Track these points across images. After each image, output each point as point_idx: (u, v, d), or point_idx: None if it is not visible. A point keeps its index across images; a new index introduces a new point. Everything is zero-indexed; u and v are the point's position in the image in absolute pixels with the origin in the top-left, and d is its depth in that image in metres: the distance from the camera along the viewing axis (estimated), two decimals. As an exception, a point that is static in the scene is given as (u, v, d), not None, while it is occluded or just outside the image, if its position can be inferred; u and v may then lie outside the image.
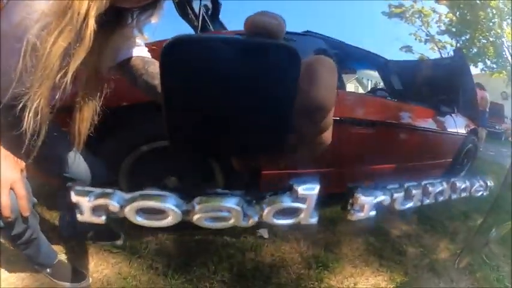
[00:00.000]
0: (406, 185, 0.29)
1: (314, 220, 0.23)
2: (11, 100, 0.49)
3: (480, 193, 0.42)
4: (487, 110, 1.53)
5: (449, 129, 1.16)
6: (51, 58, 0.46)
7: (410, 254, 1.12)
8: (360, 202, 0.24)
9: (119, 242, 1.02)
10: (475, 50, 1.64)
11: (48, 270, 0.84)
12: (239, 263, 0.96)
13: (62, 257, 0.92)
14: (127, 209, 0.22)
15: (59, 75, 0.47)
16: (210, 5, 1.08)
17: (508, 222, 1.54)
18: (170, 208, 0.21)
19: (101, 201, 0.23)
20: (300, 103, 0.17)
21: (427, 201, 0.33)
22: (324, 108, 0.17)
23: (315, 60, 0.17)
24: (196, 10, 0.98)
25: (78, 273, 0.88)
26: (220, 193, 0.22)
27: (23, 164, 0.57)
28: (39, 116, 0.48)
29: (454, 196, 0.37)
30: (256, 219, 0.22)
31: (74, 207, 0.24)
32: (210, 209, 0.22)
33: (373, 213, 0.26)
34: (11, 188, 0.56)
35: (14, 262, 0.85)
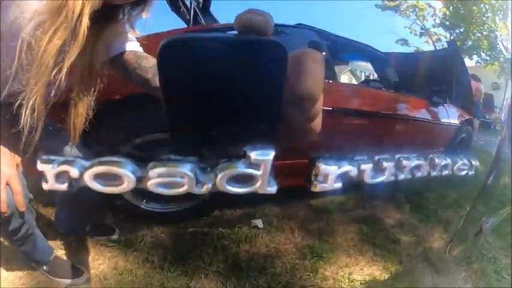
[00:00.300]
0: (376, 157, 0.28)
1: (272, 189, 0.21)
2: (7, 98, 0.51)
3: (464, 172, 0.41)
4: (481, 101, 1.54)
5: (442, 120, 1.17)
6: (47, 56, 0.47)
7: (404, 242, 1.13)
8: (322, 172, 0.23)
9: (114, 237, 1.02)
10: (470, 43, 1.65)
11: (44, 267, 0.84)
12: (234, 254, 0.96)
13: (59, 253, 0.93)
14: (86, 175, 0.22)
15: (54, 72, 0.48)
16: None
17: (503, 210, 1.55)
18: (125, 174, 0.21)
19: (63, 167, 0.23)
20: (289, 93, 0.18)
21: (402, 176, 0.32)
22: (312, 98, 0.19)
23: (303, 53, 0.19)
24: (188, 4, 0.99)
25: (75, 269, 0.89)
26: (173, 159, 0.22)
27: (19, 159, 0.59)
28: (35, 113, 0.48)
29: (433, 173, 0.36)
30: (210, 186, 0.22)
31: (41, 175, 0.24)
32: (163, 175, 0.22)
33: (338, 185, 0.25)
34: (7, 184, 0.57)
35: (11, 260, 0.85)
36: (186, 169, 0.22)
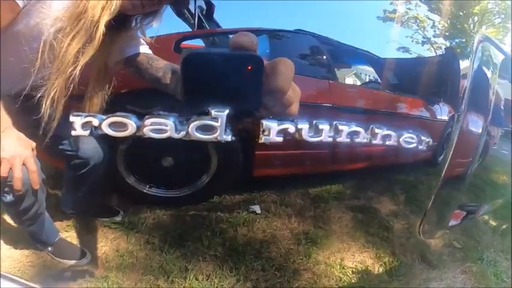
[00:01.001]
0: (314, 121, 0.35)
1: (227, 137, 0.31)
2: (31, 90, 0.59)
3: (412, 145, 0.44)
4: (502, 107, 1.48)
5: (438, 117, 1.24)
6: (67, 56, 0.55)
7: (396, 231, 1.15)
8: (266, 127, 0.32)
9: (118, 218, 1.07)
10: (469, 49, 1.70)
11: (49, 248, 0.89)
12: (231, 238, 1.00)
13: (63, 235, 0.97)
14: (103, 124, 0.32)
15: (71, 69, 0.56)
16: (204, 6, 1.16)
17: (499, 200, 1.56)
18: (130, 122, 0.31)
19: (88, 119, 0.33)
20: (266, 88, 0.28)
21: (339, 139, 0.37)
22: (281, 91, 0.29)
23: (278, 60, 0.29)
24: (192, 10, 1.06)
25: (78, 250, 0.93)
26: (162, 114, 0.31)
27: (34, 143, 0.65)
28: (55, 104, 0.57)
29: (374, 141, 0.40)
30: (184, 132, 0.31)
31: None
32: (154, 123, 0.31)
33: (279, 138, 0.33)
34: (23, 164, 0.63)
35: (17, 240, 0.90)
36: (170, 120, 0.32)
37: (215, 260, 0.97)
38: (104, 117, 0.32)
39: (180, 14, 0.96)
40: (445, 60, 1.31)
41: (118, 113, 0.32)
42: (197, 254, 0.98)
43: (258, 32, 1.09)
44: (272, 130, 0.31)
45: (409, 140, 0.44)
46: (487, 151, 1.54)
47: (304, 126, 0.33)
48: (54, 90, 0.56)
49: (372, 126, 0.39)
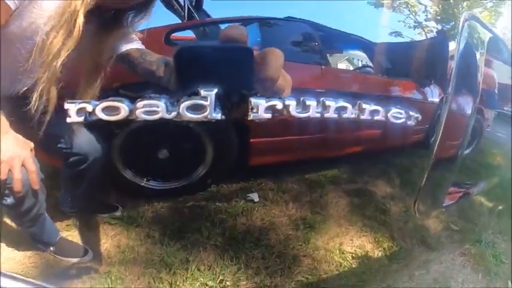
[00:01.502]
0: (301, 98, 0.36)
1: (217, 116, 0.32)
2: (26, 90, 0.62)
3: (401, 120, 0.45)
4: (496, 91, 1.46)
5: (429, 99, 1.25)
6: (51, 49, 0.56)
7: (394, 213, 1.17)
8: (254, 105, 0.33)
9: (117, 213, 1.07)
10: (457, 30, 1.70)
11: (51, 248, 0.89)
12: (231, 227, 1.01)
13: (64, 234, 0.97)
14: (97, 109, 0.33)
15: (54, 62, 0.57)
16: None
17: (494, 178, 1.58)
18: (122, 106, 0.31)
19: (82, 105, 0.33)
20: (258, 77, 0.30)
21: (327, 114, 0.38)
22: (272, 79, 0.30)
23: (266, 50, 0.30)
24: (181, 1, 1.06)
25: (80, 248, 0.94)
26: (153, 96, 0.32)
27: (32, 144, 0.66)
28: (44, 96, 0.58)
29: (362, 116, 0.41)
30: (175, 113, 0.32)
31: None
32: (146, 105, 0.32)
33: (268, 115, 0.34)
34: (22, 165, 0.64)
35: (18, 242, 0.89)
36: (162, 101, 0.32)
37: (215, 250, 0.98)
38: (97, 102, 0.33)
39: (169, 5, 0.96)
40: (435, 43, 1.30)
41: (111, 98, 0.33)
42: (197, 245, 0.99)
43: (248, 20, 1.09)
44: (260, 107, 0.32)
45: (397, 115, 0.45)
46: (481, 133, 1.56)
47: (291, 102, 0.34)
48: (43, 84, 0.57)
49: (359, 102, 0.40)
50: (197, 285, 0.93)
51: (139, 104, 0.32)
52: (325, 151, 1.12)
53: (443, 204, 1.03)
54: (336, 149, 1.12)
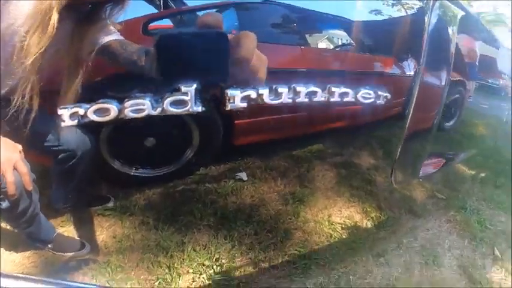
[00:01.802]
0: (273, 86, 0.39)
1: (198, 109, 0.35)
2: (8, 94, 0.62)
3: (370, 100, 0.47)
4: (477, 63, 1.49)
5: (406, 73, 1.29)
6: (30, 46, 0.57)
7: (379, 184, 1.21)
8: (230, 96, 0.37)
9: (110, 204, 1.08)
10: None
11: (49, 245, 0.90)
12: (222, 207, 1.04)
13: (59, 230, 0.97)
14: (88, 112, 0.36)
15: (31, 59, 0.58)
16: None
17: (476, 147, 1.64)
18: (112, 107, 0.35)
19: (74, 109, 0.37)
20: (233, 59, 0.32)
21: (299, 99, 0.41)
22: (247, 59, 0.33)
23: (241, 34, 0.33)
24: None
25: (77, 242, 0.95)
26: (138, 96, 0.35)
27: (20, 146, 0.67)
28: (27, 95, 0.59)
29: (332, 99, 0.44)
30: (160, 109, 0.35)
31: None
32: (133, 105, 0.35)
33: (244, 104, 0.37)
34: (14, 168, 0.64)
35: (15, 244, 0.91)
36: (147, 100, 0.35)
37: (209, 230, 1.01)
38: (88, 105, 0.36)
39: None
40: (412, 19, 1.32)
41: (100, 100, 0.36)
42: (191, 227, 1.02)
43: (225, 6, 1.10)
44: (236, 97, 0.36)
45: (366, 95, 0.47)
46: (462, 104, 1.61)
47: (264, 91, 0.37)
48: (24, 84, 0.59)
49: (328, 85, 0.43)
50: (194, 265, 0.96)
51: (127, 103, 0.35)
52: (307, 127, 1.15)
53: (422, 174, 1.08)
54: (317, 124, 1.15)
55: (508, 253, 1.48)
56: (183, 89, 0.33)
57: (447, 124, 1.59)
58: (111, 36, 0.71)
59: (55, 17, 0.57)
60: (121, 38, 0.72)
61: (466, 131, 1.76)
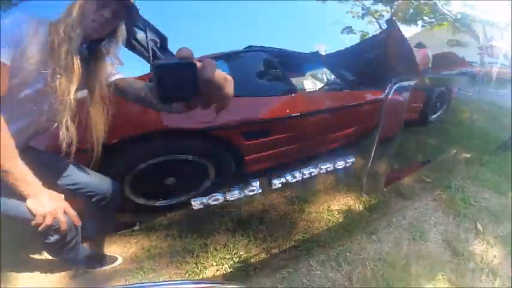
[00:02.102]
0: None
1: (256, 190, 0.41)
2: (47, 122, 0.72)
3: (343, 166, 0.61)
4: (429, 66, 1.49)
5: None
6: (63, 86, 0.66)
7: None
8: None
9: (136, 227, 1.12)
10: (412, 10, 1.77)
11: (84, 265, 0.99)
12: (238, 215, 1.16)
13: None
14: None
15: (69, 97, 0.67)
16: (157, 39, 1.05)
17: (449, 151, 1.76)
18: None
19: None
20: (200, 83, 0.40)
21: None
22: (212, 82, 0.41)
23: (204, 61, 0.40)
24: (143, 43, 0.93)
25: (109, 257, 1.04)
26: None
27: (62, 195, 0.77)
28: (70, 129, 0.69)
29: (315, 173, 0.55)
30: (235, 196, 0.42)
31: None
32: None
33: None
34: (64, 212, 0.75)
35: (51, 268, 0.97)
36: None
37: (227, 232, 1.14)
38: None
39: (133, 48, 0.89)
40: (389, 35, 1.29)
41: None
42: (212, 232, 1.14)
43: (215, 58, 1.05)
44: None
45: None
46: (449, 100, 1.66)
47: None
48: (65, 118, 0.68)
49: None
50: (217, 259, 1.09)
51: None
52: (309, 151, 1.20)
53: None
54: (321, 147, 1.21)
55: (490, 227, 1.59)
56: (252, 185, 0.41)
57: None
58: (117, 75, 0.77)
59: (76, 56, 0.65)
60: (125, 76, 0.77)
61: (455, 118, 1.83)
